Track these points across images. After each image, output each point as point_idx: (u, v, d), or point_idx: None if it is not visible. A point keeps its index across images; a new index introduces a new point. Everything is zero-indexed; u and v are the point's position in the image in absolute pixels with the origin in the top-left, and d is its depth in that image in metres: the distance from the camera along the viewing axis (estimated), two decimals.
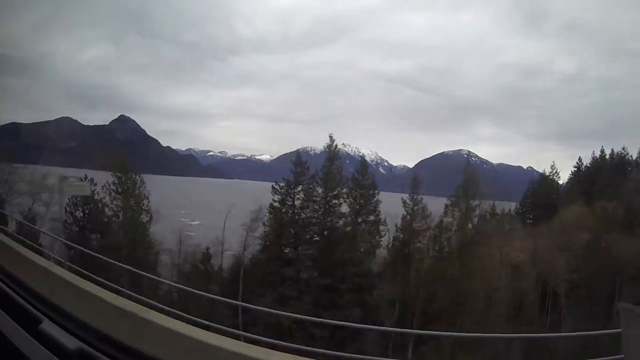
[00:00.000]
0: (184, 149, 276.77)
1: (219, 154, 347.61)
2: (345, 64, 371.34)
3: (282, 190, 32.94)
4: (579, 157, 50.21)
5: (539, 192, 47.16)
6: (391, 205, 34.93)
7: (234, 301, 19.04)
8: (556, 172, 48.99)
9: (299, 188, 33.02)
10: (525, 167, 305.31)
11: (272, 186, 33.48)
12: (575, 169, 49.86)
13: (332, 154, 34.64)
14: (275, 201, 32.73)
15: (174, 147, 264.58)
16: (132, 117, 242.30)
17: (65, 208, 28.24)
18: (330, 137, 34.74)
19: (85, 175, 30.20)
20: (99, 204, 32.14)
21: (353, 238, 32.22)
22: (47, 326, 1.79)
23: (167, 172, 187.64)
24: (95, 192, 31.29)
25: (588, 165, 48.50)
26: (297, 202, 32.70)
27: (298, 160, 34.80)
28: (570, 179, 49.42)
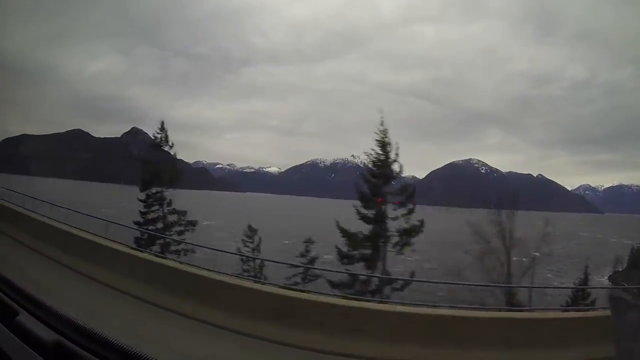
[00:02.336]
0: (191, 161, 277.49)
1: (228, 167, 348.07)
2: (356, 76, 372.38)
3: None
4: None
5: None
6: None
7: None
8: None
9: None
10: (535, 174, 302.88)
11: None
12: None
13: None
14: None
15: (184, 160, 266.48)
16: (140, 128, 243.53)
17: None
18: None
19: None
20: None
21: None
22: (24, 318, 1.79)
23: (180, 185, 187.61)
24: None
25: None
26: None
27: None
28: None
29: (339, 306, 7.17)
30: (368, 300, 11.95)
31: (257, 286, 8.36)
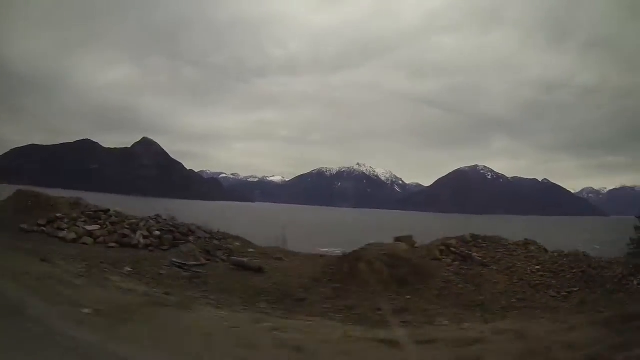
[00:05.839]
0: (196, 170, 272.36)
1: (232, 176, 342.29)
2: (371, 85, 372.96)
3: None
4: None
5: None
6: None
7: None
8: None
9: None
10: (540, 179, 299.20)
11: None
12: None
13: None
14: None
15: (193, 170, 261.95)
16: (151, 139, 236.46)
17: None
18: None
19: None
20: None
21: None
22: None
23: (193, 196, 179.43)
24: None
25: None
26: None
27: None
28: None
29: None
30: None
31: None
